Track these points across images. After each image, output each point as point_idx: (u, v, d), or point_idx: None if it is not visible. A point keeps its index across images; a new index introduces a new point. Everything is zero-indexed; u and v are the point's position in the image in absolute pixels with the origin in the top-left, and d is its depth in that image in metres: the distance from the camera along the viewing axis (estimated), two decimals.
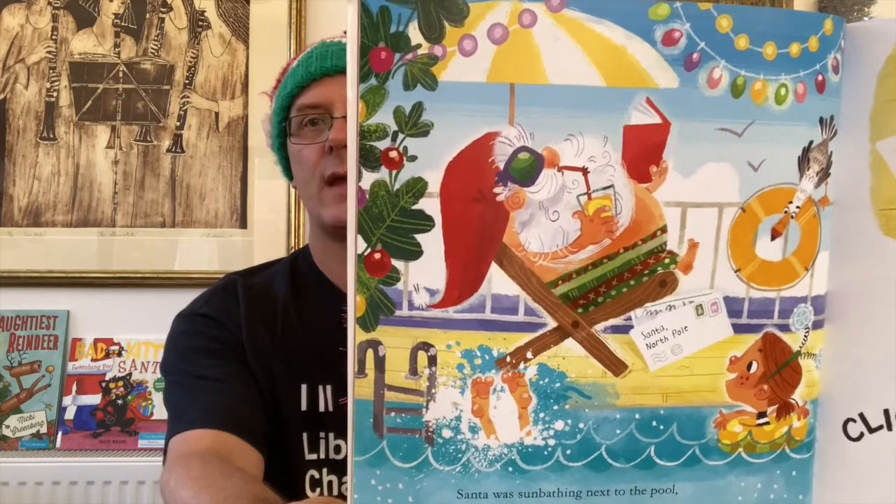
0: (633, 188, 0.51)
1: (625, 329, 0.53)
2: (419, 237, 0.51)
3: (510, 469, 0.52)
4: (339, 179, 0.94)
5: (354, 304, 0.51)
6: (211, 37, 1.96)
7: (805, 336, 0.56)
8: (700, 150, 0.52)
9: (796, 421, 0.56)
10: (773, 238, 0.54)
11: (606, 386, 0.53)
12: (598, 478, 0.53)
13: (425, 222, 0.51)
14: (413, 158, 0.50)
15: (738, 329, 0.54)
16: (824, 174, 0.55)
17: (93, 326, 1.92)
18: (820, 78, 0.54)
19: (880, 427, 0.57)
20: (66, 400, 1.85)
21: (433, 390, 0.52)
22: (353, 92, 0.50)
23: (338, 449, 0.95)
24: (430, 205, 0.50)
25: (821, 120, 0.54)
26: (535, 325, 0.52)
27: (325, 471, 0.95)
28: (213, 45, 1.96)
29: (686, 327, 0.53)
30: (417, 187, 0.50)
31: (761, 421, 0.55)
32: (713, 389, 0.54)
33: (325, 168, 0.95)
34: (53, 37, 1.94)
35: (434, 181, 0.50)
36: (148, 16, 1.95)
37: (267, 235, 1.93)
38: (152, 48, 1.95)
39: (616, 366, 0.53)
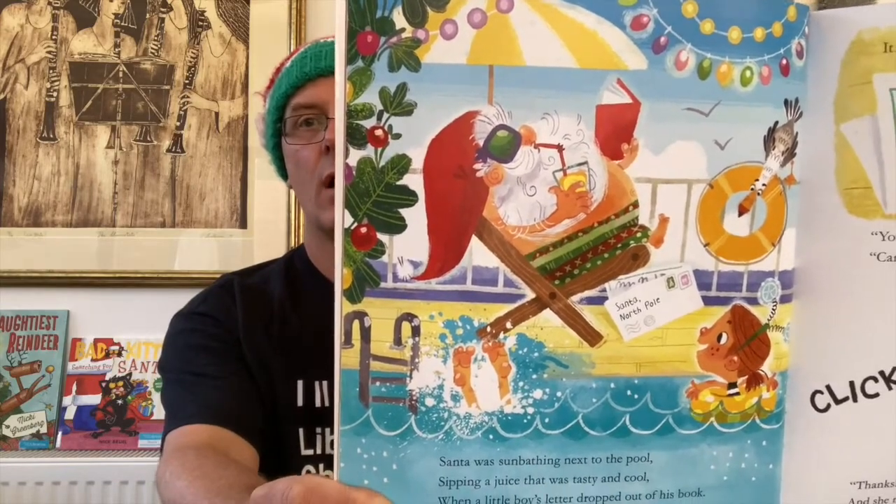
0: (605, 165, 0.53)
1: (599, 300, 0.54)
2: (403, 211, 0.53)
3: (491, 437, 0.54)
4: None
5: (341, 276, 0.53)
6: (211, 37, 1.97)
7: (773, 309, 0.58)
8: (669, 129, 0.54)
9: (766, 392, 0.58)
10: (740, 214, 0.56)
11: (582, 356, 0.54)
12: (575, 446, 0.55)
13: (409, 197, 0.53)
14: (398, 136, 0.52)
15: (708, 301, 0.56)
16: (790, 154, 0.57)
17: (93, 326, 1.92)
18: (784, 62, 0.56)
19: (846, 398, 0.59)
20: (66, 400, 1.85)
21: (416, 360, 0.53)
22: (340, 73, 0.52)
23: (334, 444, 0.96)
24: (414, 180, 0.52)
25: (786, 102, 0.56)
26: (514, 296, 0.54)
27: (321, 466, 0.96)
28: (213, 45, 1.97)
29: (658, 299, 0.55)
30: (402, 164, 0.52)
31: (732, 391, 0.57)
32: (685, 360, 0.56)
33: (322, 169, 0.95)
34: (53, 37, 1.94)
35: (417, 158, 0.52)
36: (148, 16, 1.95)
37: (267, 235, 1.93)
38: (152, 48, 1.96)
39: (592, 336, 0.54)
